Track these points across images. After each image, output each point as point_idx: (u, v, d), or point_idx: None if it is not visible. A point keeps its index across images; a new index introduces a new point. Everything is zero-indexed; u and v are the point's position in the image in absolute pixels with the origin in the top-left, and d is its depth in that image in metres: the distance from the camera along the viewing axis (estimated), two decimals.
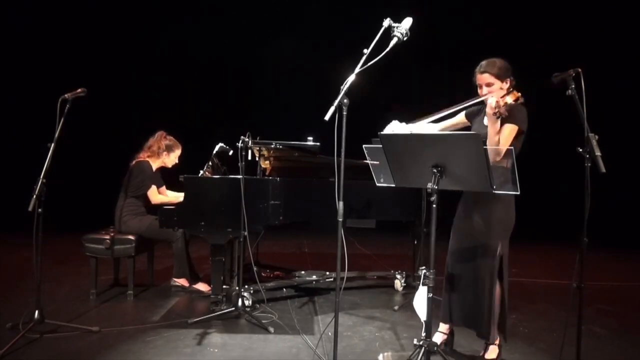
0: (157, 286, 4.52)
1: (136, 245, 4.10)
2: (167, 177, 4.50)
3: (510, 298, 4.36)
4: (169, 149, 4.40)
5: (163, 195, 4.40)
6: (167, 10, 8.50)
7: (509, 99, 2.66)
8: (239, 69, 8.48)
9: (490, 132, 2.68)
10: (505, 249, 2.85)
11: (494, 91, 2.76)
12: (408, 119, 3.07)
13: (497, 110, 2.58)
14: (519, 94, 2.72)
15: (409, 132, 2.81)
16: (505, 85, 2.79)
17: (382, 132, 2.51)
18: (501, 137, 2.69)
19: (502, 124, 2.70)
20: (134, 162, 4.33)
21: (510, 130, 2.71)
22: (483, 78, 2.79)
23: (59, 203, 4.39)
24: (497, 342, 2.96)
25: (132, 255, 4.10)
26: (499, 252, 2.82)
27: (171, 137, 4.44)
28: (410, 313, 3.71)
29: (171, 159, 4.43)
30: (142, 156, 4.36)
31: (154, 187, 4.30)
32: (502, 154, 2.54)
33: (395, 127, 2.91)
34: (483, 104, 2.88)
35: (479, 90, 2.84)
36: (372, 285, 4.76)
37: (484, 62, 2.81)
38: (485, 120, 2.88)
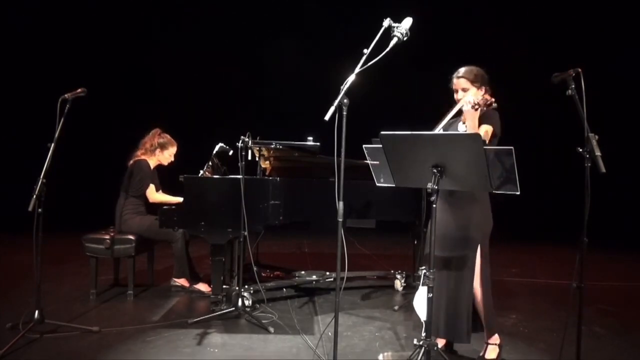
0: (157, 286, 4.52)
1: (136, 245, 4.10)
2: (168, 178, 4.50)
3: (510, 298, 4.39)
4: (162, 146, 4.39)
5: (161, 195, 4.40)
6: (167, 10, 8.50)
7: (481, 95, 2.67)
8: (239, 69, 8.48)
9: (470, 128, 2.68)
10: (485, 249, 2.86)
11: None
12: (408, 119, 3.07)
13: (475, 102, 2.59)
14: (493, 99, 2.74)
15: (408, 132, 2.82)
16: (481, 92, 2.83)
17: (382, 132, 2.51)
18: None
19: (479, 125, 2.72)
20: (132, 161, 4.34)
21: (485, 130, 2.74)
22: (459, 83, 2.85)
23: (59, 203, 4.39)
24: (497, 342, 2.97)
25: (132, 255, 4.10)
26: (479, 254, 2.83)
27: (165, 135, 4.44)
28: (410, 313, 3.71)
29: (165, 156, 4.43)
30: (139, 154, 4.37)
31: (152, 185, 4.31)
32: None
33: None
34: (459, 114, 2.90)
35: (455, 95, 2.89)
36: (372, 285, 4.75)
37: (461, 68, 2.87)
38: (461, 127, 2.90)
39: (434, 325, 2.89)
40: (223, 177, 4.10)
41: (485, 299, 2.89)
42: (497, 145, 2.80)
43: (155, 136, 4.40)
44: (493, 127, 2.76)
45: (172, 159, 4.49)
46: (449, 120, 2.95)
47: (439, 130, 2.97)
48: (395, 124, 2.96)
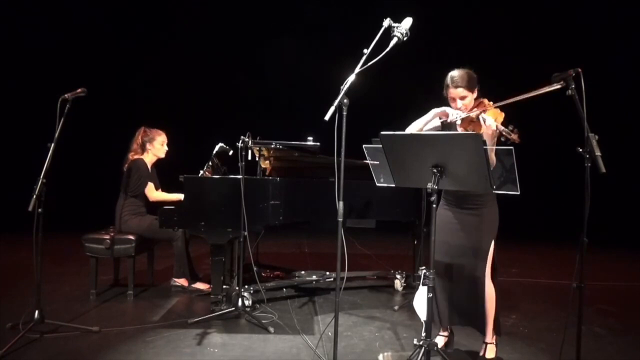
0: (157, 286, 4.52)
1: (136, 245, 4.10)
2: (168, 178, 4.50)
3: (510, 298, 4.39)
4: (150, 140, 4.38)
5: (160, 193, 4.40)
6: (167, 10, 8.50)
7: (500, 119, 2.64)
8: (239, 69, 8.48)
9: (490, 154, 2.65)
10: (493, 248, 2.86)
11: (468, 104, 2.82)
12: (408, 119, 3.08)
13: (498, 132, 2.57)
14: (487, 100, 2.74)
15: (408, 132, 2.82)
16: (475, 95, 2.84)
17: (383, 132, 2.51)
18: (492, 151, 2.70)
19: (478, 129, 2.72)
20: (128, 161, 4.33)
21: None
22: (457, 92, 2.83)
23: (59, 203, 4.39)
24: (494, 340, 2.97)
25: (132, 255, 4.10)
26: (491, 252, 2.84)
27: (150, 130, 4.42)
28: (410, 313, 3.71)
29: (157, 147, 4.40)
30: (131, 156, 4.37)
31: (150, 184, 4.31)
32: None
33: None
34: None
35: (451, 104, 2.88)
36: (372, 285, 4.76)
37: (455, 77, 2.84)
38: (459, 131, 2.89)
39: (450, 315, 2.92)
40: (223, 177, 4.10)
41: (493, 295, 2.89)
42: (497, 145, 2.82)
43: (140, 134, 4.40)
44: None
45: (166, 148, 4.45)
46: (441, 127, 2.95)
47: (429, 129, 2.97)
48: (395, 124, 2.97)
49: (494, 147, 2.62)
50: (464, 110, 2.83)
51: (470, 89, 2.82)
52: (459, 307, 2.93)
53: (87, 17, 8.18)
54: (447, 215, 2.93)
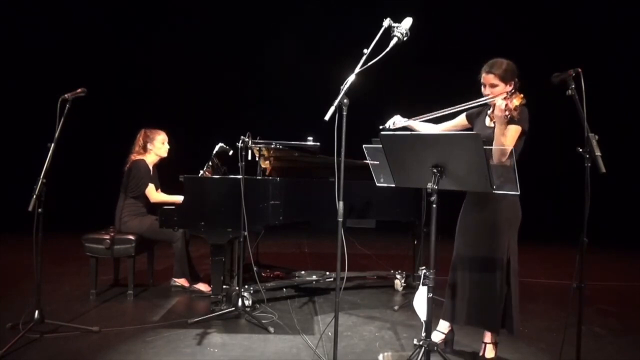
0: (157, 286, 4.52)
1: (136, 245, 4.10)
2: (168, 178, 4.50)
3: None
4: (150, 140, 4.38)
5: (161, 194, 4.40)
6: (167, 10, 8.50)
7: (516, 102, 2.63)
8: (239, 69, 8.48)
9: (497, 133, 2.69)
10: (514, 245, 2.86)
11: (497, 93, 2.76)
12: (407, 118, 3.08)
13: (507, 113, 2.58)
14: (522, 95, 2.72)
15: (408, 132, 2.83)
16: (509, 88, 2.78)
17: (382, 132, 2.51)
18: (506, 138, 2.70)
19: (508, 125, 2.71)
20: (129, 162, 4.34)
21: (515, 131, 2.72)
22: (488, 78, 2.80)
23: (59, 203, 4.39)
24: (494, 340, 2.97)
25: (132, 255, 4.10)
26: (508, 249, 2.84)
27: (150, 130, 4.42)
28: (410, 313, 3.71)
29: (158, 146, 4.40)
30: (134, 157, 4.37)
31: (151, 185, 4.31)
32: (508, 154, 2.55)
33: (397, 121, 3.04)
34: (485, 105, 2.89)
35: (482, 89, 2.85)
36: (372, 285, 4.76)
37: (491, 62, 2.82)
38: (487, 121, 2.90)
39: (462, 314, 2.90)
40: (223, 177, 4.10)
41: (512, 294, 2.86)
42: (525, 141, 2.81)
43: (141, 136, 4.40)
44: (522, 126, 2.74)
45: (167, 146, 4.45)
46: (475, 108, 2.94)
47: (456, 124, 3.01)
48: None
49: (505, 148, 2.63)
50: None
51: (503, 79, 2.76)
52: (475, 307, 2.89)
53: (87, 17, 8.17)
54: (466, 223, 2.96)
